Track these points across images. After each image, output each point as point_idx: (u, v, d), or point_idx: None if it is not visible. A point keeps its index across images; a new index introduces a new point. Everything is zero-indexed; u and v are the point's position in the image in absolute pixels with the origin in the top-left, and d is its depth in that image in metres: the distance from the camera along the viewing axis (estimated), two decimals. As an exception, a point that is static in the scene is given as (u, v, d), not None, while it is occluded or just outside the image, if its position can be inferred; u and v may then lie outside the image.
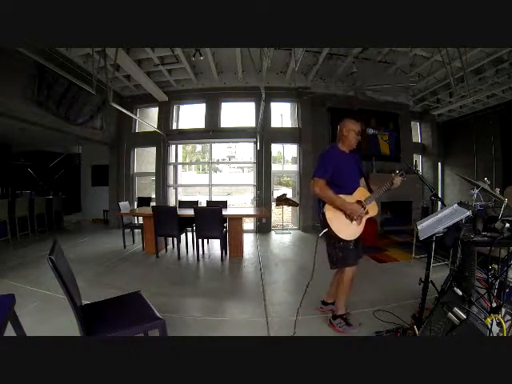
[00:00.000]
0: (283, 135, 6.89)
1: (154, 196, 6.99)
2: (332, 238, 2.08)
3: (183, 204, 5.47)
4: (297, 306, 2.34)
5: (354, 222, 2.05)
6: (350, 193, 2.08)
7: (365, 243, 2.24)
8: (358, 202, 2.06)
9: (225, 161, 15.13)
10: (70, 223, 7.44)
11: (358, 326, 2.13)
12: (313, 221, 6.50)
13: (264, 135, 6.52)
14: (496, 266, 1.70)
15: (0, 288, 2.80)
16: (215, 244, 4.96)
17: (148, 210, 4.64)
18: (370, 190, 2.17)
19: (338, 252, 2.09)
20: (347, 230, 2.04)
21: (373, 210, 2.16)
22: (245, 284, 3.31)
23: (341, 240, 2.04)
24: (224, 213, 4.10)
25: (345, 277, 2.12)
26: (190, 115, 7.64)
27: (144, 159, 7.55)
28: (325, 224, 2.03)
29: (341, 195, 2.01)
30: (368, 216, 2.14)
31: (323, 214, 2.02)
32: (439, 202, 2.05)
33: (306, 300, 2.55)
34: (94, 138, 6.18)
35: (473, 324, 1.20)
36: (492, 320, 1.20)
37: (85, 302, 1.60)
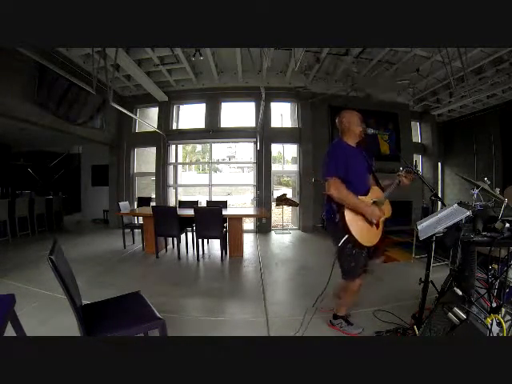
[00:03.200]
0: (283, 135, 6.90)
1: (154, 196, 7.00)
2: (346, 246, 1.88)
3: (183, 204, 5.47)
4: (296, 306, 2.37)
5: (374, 226, 1.91)
6: (365, 193, 1.92)
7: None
8: (374, 202, 1.91)
9: (225, 161, 15.12)
10: (70, 223, 7.44)
11: (360, 328, 2.09)
12: (313, 221, 6.51)
13: (264, 135, 6.52)
14: (496, 266, 1.71)
15: (0, 288, 2.80)
16: (215, 244, 4.96)
17: (148, 210, 4.64)
18: (381, 188, 2.04)
19: (352, 261, 1.92)
20: (368, 234, 1.88)
21: (388, 210, 2.01)
22: (245, 284, 3.31)
23: (359, 247, 1.87)
24: (224, 213, 4.09)
25: (353, 286, 2.00)
26: (190, 115, 7.65)
27: (144, 159, 7.56)
28: (345, 229, 1.80)
29: (358, 197, 1.85)
30: (384, 217, 1.97)
31: (341, 218, 1.80)
32: (439, 202, 2.04)
33: (306, 300, 2.58)
34: (94, 138, 6.18)
35: (473, 324, 1.20)
36: (492, 320, 1.20)
37: (85, 301, 1.60)
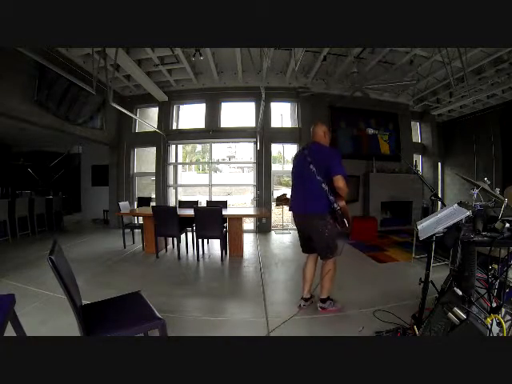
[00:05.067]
0: (283, 135, 6.89)
1: (154, 196, 7.00)
2: (334, 227, 2.26)
3: (183, 204, 5.47)
4: (296, 306, 2.46)
5: None
6: None
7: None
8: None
9: (225, 161, 15.11)
10: (70, 223, 7.44)
11: (361, 328, 2.13)
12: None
13: (264, 135, 6.52)
14: (496, 266, 1.70)
15: (0, 288, 2.80)
16: (215, 244, 4.96)
17: (148, 210, 4.64)
18: None
19: (336, 239, 2.32)
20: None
21: None
22: (245, 284, 3.30)
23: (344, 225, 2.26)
24: (224, 213, 4.09)
25: (334, 263, 2.36)
26: (190, 115, 7.65)
27: (144, 159, 7.55)
28: (345, 213, 2.22)
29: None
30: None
31: (344, 205, 2.22)
32: (439, 202, 2.05)
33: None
34: (94, 138, 6.18)
35: (473, 324, 1.20)
36: (492, 320, 1.19)
37: (85, 302, 1.60)
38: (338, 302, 2.46)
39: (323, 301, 2.40)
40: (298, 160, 2.47)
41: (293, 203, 2.48)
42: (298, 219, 2.46)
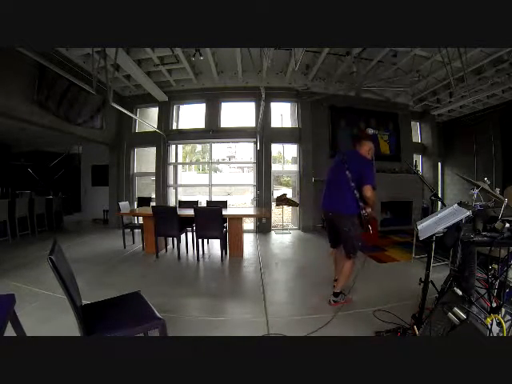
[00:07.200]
0: (283, 135, 6.89)
1: (154, 196, 7.00)
2: (358, 229, 2.46)
3: (183, 204, 5.46)
4: (296, 306, 2.48)
5: None
6: None
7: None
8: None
9: (225, 161, 15.11)
10: (70, 223, 7.44)
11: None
12: (313, 221, 6.51)
13: (264, 135, 6.52)
14: (496, 266, 1.70)
15: (0, 288, 2.80)
16: (215, 244, 4.96)
17: (148, 210, 4.64)
18: None
19: (359, 240, 2.51)
20: None
21: None
22: (245, 284, 3.30)
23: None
24: (224, 213, 4.09)
25: (353, 263, 2.52)
26: (190, 115, 7.64)
27: (144, 159, 7.56)
28: (372, 223, 2.48)
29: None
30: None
31: (371, 215, 2.47)
32: (439, 202, 2.05)
33: (306, 300, 2.59)
34: (94, 138, 6.18)
35: (473, 324, 1.20)
36: (492, 320, 1.19)
37: (85, 302, 1.60)
38: (347, 295, 2.59)
39: (336, 295, 2.54)
40: (336, 162, 2.67)
41: (325, 201, 2.65)
42: (329, 216, 2.65)
